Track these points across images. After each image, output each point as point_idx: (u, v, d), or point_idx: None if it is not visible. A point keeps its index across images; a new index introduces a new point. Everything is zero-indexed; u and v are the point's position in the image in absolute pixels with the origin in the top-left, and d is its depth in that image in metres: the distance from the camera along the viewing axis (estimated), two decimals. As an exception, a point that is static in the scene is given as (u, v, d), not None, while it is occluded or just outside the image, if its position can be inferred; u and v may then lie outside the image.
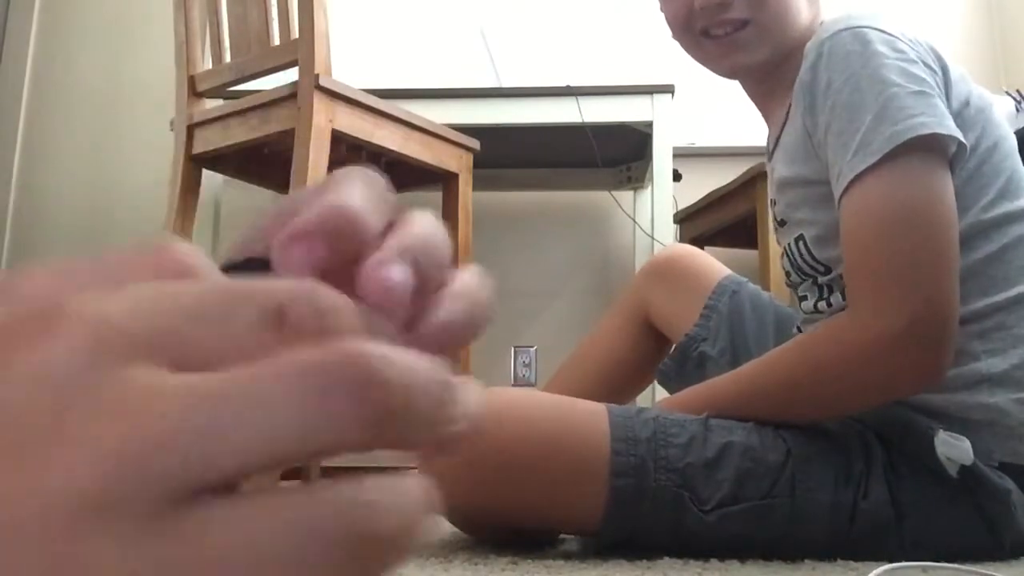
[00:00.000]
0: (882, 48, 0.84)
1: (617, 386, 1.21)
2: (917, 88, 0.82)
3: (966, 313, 0.83)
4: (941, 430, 0.80)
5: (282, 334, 0.16)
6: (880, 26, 0.86)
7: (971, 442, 0.80)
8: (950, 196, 0.81)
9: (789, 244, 0.99)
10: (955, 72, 0.89)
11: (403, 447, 0.16)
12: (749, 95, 1.07)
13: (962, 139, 0.81)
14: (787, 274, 1.03)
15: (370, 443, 0.15)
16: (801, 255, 0.96)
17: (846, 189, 0.82)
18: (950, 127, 0.81)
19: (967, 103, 0.88)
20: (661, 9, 1.04)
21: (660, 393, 1.47)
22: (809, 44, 0.90)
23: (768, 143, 1.08)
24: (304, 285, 0.17)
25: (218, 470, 0.14)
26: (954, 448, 0.79)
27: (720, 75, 1.04)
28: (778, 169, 1.00)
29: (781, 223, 1.00)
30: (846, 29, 0.86)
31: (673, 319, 1.18)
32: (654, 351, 1.21)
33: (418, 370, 0.16)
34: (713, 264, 1.22)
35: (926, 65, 0.85)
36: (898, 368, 0.78)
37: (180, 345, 0.15)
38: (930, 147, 0.80)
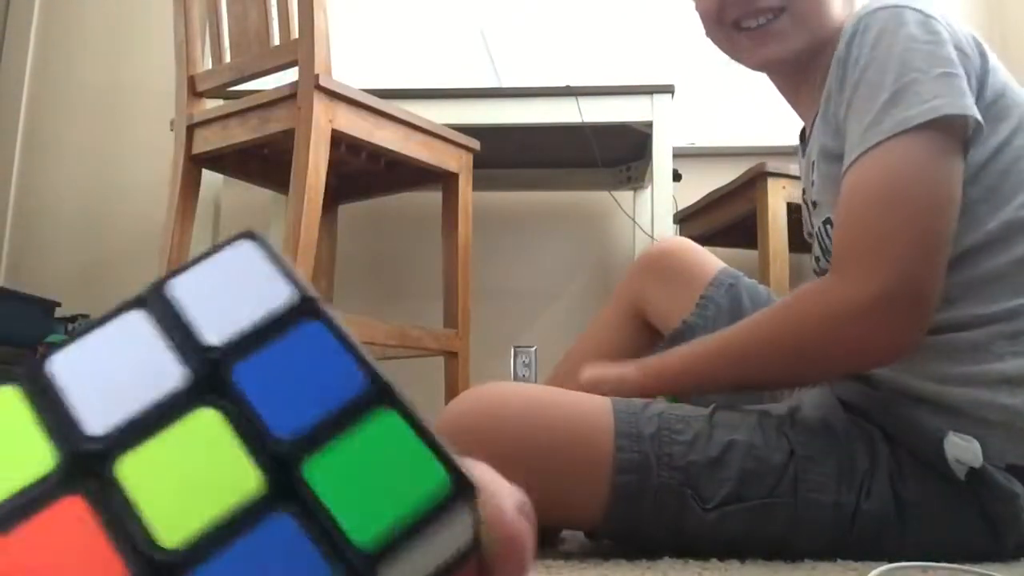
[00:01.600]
0: (915, 30, 0.83)
1: None
2: (941, 71, 0.81)
3: (997, 312, 0.82)
4: (951, 432, 0.80)
5: None
6: (919, 6, 0.86)
7: (983, 442, 0.79)
8: (953, 179, 0.81)
9: (818, 227, 0.98)
10: (995, 61, 0.89)
11: None
12: (778, 88, 1.06)
13: (978, 118, 0.81)
14: (816, 260, 1.03)
15: None
16: (829, 238, 0.96)
17: (851, 164, 0.83)
18: (965, 106, 0.80)
19: (1003, 93, 0.88)
20: (696, 8, 1.03)
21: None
22: (848, 21, 0.90)
23: (802, 134, 1.08)
24: None
25: None
26: (964, 450, 0.78)
27: (751, 68, 1.02)
28: (813, 151, 0.99)
29: (814, 204, 1.00)
30: (884, 8, 0.86)
31: (668, 314, 1.16)
32: (649, 346, 1.20)
33: None
34: (707, 257, 1.20)
35: (959, 48, 0.85)
36: (863, 336, 0.79)
37: None
38: (940, 128, 0.80)
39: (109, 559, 0.14)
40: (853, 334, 0.79)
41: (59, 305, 2.41)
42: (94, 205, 2.64)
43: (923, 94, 0.80)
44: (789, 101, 1.07)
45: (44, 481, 0.14)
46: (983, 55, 0.87)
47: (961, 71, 0.83)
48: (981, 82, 0.86)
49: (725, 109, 2.47)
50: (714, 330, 1.10)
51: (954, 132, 0.81)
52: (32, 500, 0.14)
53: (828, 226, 0.95)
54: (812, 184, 1.00)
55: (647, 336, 1.20)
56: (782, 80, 1.04)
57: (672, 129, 1.97)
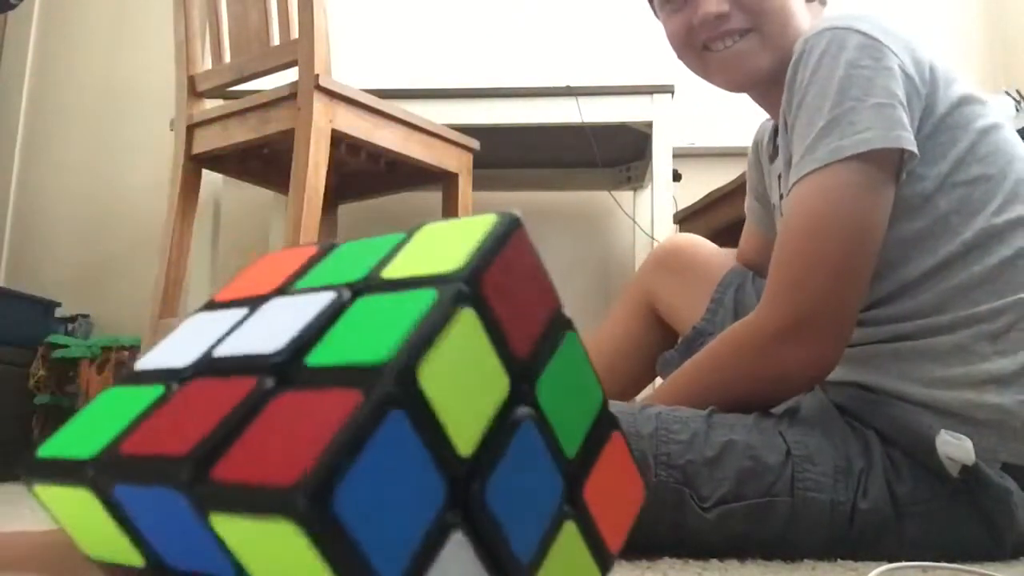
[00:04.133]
0: (855, 55, 0.84)
1: (624, 378, 1.21)
2: (876, 100, 0.82)
3: (979, 313, 0.83)
4: (943, 430, 0.80)
5: None
6: (863, 28, 0.86)
7: (975, 442, 0.79)
8: (877, 210, 0.83)
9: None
10: (950, 73, 0.89)
11: None
12: (757, 102, 1.08)
13: (910, 149, 0.83)
14: None
15: None
16: None
17: (789, 190, 0.86)
18: (898, 138, 0.82)
19: (959, 104, 0.88)
20: (665, 33, 1.05)
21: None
22: (798, 42, 0.90)
23: (774, 141, 1.09)
24: None
25: None
26: (956, 448, 0.79)
27: (726, 90, 1.04)
28: (778, 167, 1.02)
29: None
30: (829, 29, 0.87)
31: (679, 310, 1.17)
32: (661, 342, 1.20)
33: None
34: (718, 253, 1.21)
35: (904, 72, 0.85)
36: (782, 361, 0.83)
37: None
38: (870, 160, 0.82)
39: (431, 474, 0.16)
40: (774, 358, 0.84)
41: (59, 305, 2.41)
42: (94, 205, 2.64)
43: (857, 124, 0.82)
44: (768, 112, 1.09)
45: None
46: (932, 70, 0.88)
47: (900, 99, 0.83)
48: (930, 99, 0.87)
49: (725, 109, 2.46)
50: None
51: (885, 164, 0.83)
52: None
53: None
54: (782, 198, 1.01)
55: (660, 333, 1.21)
56: (759, 97, 1.06)
57: (672, 129, 1.97)
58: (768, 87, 1.01)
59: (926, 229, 0.87)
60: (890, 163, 0.83)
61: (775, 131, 1.10)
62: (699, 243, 1.23)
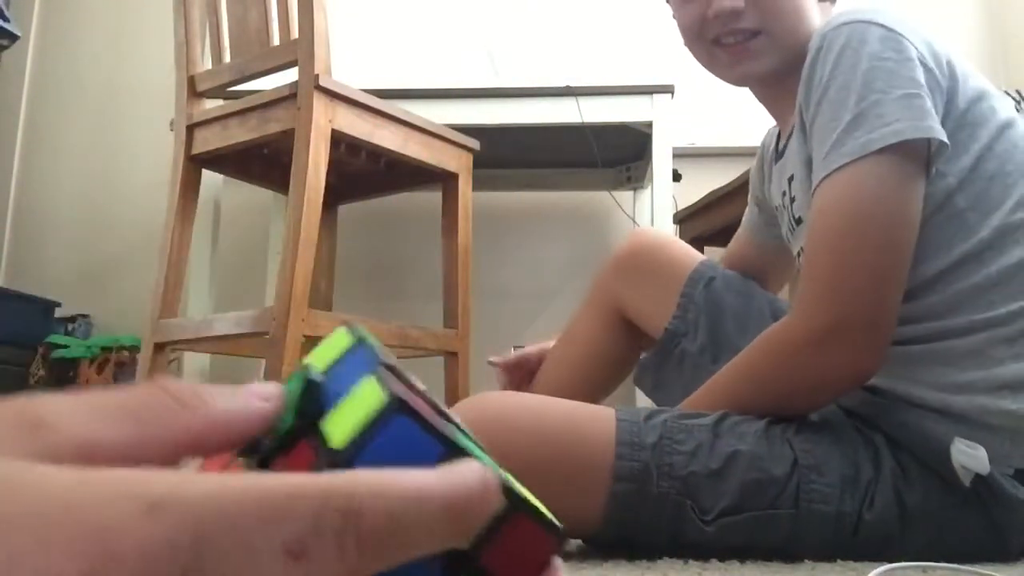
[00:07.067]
0: (877, 47, 0.83)
1: (598, 384, 1.19)
2: (903, 92, 0.81)
3: (994, 317, 0.82)
4: (957, 438, 0.79)
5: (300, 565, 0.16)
6: (882, 21, 0.85)
7: (989, 447, 0.78)
8: (912, 204, 0.81)
9: (803, 247, 0.98)
10: (965, 68, 0.88)
11: None
12: (759, 99, 1.07)
13: (941, 139, 0.81)
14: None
15: None
16: None
17: (815, 187, 0.84)
18: (927, 128, 0.80)
19: (979, 98, 0.87)
20: (674, 17, 1.04)
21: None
22: (813, 37, 0.89)
23: (777, 144, 1.08)
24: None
25: None
26: (970, 457, 0.78)
27: (729, 83, 1.03)
28: (788, 167, 1.00)
29: (798, 221, 1.00)
30: (847, 23, 0.86)
31: (650, 316, 1.15)
32: (628, 346, 1.18)
33: None
34: (681, 248, 1.19)
35: (923, 65, 0.84)
36: (820, 367, 0.81)
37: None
38: (902, 152, 0.80)
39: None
40: (811, 365, 0.81)
41: (59, 305, 2.41)
42: (94, 205, 2.64)
43: (885, 116, 0.80)
44: (769, 111, 1.08)
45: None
46: (950, 64, 0.86)
47: (925, 90, 0.82)
48: (951, 92, 0.85)
49: (725, 109, 2.47)
50: (696, 333, 1.09)
51: (916, 155, 0.81)
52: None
53: None
54: (792, 200, 1.00)
55: (632, 337, 1.18)
56: (761, 91, 1.05)
57: (672, 129, 1.97)
58: (772, 85, 1.01)
59: (943, 226, 0.85)
60: (921, 155, 0.82)
61: (779, 134, 1.09)
62: (661, 241, 1.20)
